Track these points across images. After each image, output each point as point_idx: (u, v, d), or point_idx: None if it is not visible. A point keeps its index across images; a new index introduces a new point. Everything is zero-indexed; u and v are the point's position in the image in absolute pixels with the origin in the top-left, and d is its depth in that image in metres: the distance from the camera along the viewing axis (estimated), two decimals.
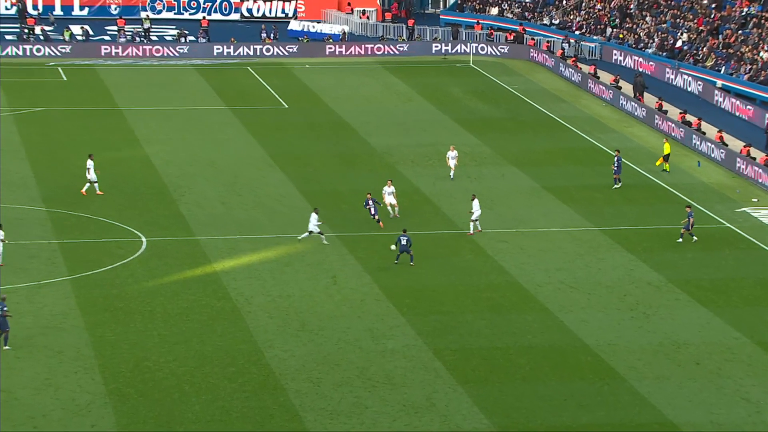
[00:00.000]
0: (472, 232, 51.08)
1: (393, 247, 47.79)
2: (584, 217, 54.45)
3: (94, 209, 53.68)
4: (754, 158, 61.25)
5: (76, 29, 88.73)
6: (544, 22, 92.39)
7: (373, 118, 70.75)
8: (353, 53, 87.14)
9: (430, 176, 59.61)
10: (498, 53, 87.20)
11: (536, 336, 42.12)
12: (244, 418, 36.08)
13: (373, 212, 51.71)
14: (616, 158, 58.49)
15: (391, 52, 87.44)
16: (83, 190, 55.21)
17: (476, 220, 51.33)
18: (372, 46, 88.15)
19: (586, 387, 38.50)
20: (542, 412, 36.83)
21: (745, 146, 62.64)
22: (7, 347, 39.79)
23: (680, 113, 69.26)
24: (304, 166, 61.21)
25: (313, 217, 49.51)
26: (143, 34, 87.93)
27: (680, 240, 50.89)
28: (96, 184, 55.24)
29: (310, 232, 49.48)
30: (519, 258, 49.23)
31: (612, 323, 43.21)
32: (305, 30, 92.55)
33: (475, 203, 51.18)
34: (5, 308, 39.99)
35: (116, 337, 41.05)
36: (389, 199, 53.19)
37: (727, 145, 63.52)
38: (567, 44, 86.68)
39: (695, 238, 50.99)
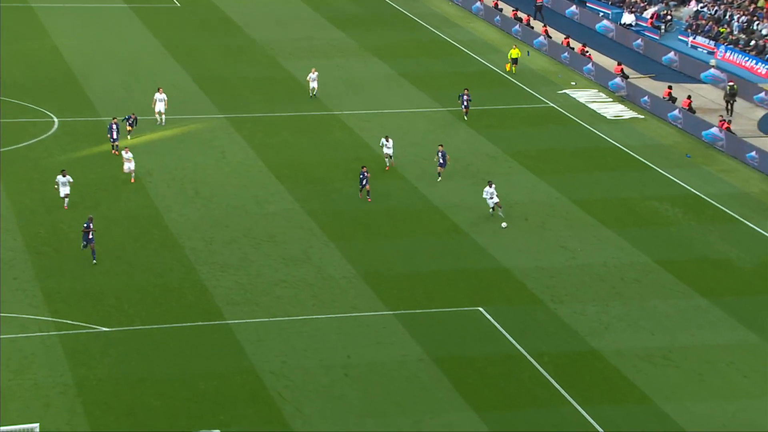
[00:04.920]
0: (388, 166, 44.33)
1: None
2: (435, 99, 54.46)
3: (8, 93, 51.58)
4: (573, 48, 61.83)
5: None
6: None
7: (256, 16, 69.09)
8: None
9: (305, 66, 58.75)
10: None
11: (395, 200, 42.34)
12: (147, 272, 35.74)
13: (364, 183, 41.74)
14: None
15: None
16: None
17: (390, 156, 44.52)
18: None
19: (435, 242, 38.99)
20: (399, 261, 37.25)
21: (565, 38, 63.13)
22: (95, 261, 35.88)
23: (513, 11, 69.23)
24: (196, 57, 59.68)
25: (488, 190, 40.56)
26: None
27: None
28: None
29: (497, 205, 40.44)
30: (381, 135, 49.08)
31: (457, 188, 43.64)
32: None
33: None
34: (89, 226, 35.51)
35: (34, 204, 40.02)
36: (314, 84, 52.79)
37: (551, 38, 63.89)
38: None
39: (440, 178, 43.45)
